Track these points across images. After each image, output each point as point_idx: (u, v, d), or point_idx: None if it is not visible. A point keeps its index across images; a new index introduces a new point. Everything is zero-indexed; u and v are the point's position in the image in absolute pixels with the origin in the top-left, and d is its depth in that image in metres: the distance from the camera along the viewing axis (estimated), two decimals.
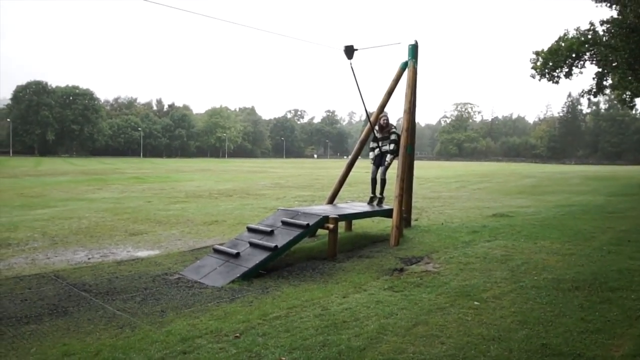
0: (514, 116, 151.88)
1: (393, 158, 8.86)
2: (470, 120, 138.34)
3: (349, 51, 8.30)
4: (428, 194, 18.16)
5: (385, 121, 9.02)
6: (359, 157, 10.02)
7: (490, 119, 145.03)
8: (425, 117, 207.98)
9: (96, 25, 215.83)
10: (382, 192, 8.98)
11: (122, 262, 6.79)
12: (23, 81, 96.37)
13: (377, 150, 9.04)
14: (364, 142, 9.88)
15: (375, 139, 9.06)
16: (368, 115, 9.22)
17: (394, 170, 8.84)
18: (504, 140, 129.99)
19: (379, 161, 9.00)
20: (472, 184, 24.27)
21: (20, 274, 6.03)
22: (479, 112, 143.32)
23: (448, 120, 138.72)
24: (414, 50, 9.19)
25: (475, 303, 4.73)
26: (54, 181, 23.41)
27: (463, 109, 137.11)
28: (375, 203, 9.00)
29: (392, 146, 8.81)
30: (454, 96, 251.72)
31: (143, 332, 4.04)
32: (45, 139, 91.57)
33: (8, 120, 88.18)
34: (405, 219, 8.99)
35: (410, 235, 8.54)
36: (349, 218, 8.63)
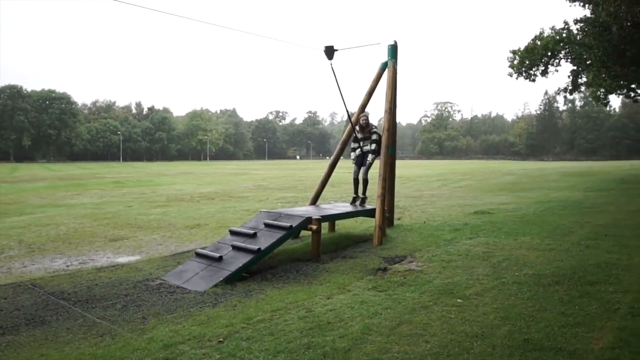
0: (493, 114, 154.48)
1: (374, 158, 8.88)
2: (450, 119, 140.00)
3: (330, 52, 8.30)
4: (410, 192, 18.28)
5: (365, 121, 9.04)
6: (341, 157, 10.04)
7: (469, 118, 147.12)
8: (406, 116, 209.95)
9: (72, 27, 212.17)
10: (364, 192, 9.00)
11: (101, 268, 6.66)
12: None
13: (358, 151, 9.06)
14: (345, 143, 9.90)
15: (357, 139, 9.08)
16: (349, 116, 9.24)
17: (375, 170, 8.87)
18: (484, 139, 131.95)
19: (360, 161, 9.02)
20: (453, 182, 24.51)
21: None
22: (459, 111, 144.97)
23: (428, 120, 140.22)
24: (393, 50, 9.24)
25: (458, 300, 4.76)
26: (31, 187, 22.90)
27: (443, 108, 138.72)
28: (358, 203, 9.02)
29: (373, 146, 8.84)
30: (434, 95, 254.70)
31: (124, 340, 3.96)
32: (21, 145, 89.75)
33: None
34: (387, 219, 9.02)
35: (393, 234, 8.58)
36: (332, 219, 8.63)
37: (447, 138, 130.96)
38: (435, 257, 6.75)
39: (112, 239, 8.92)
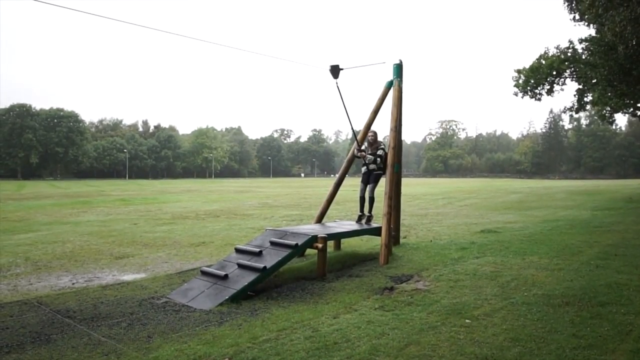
0: (498, 133, 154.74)
1: (380, 175, 8.89)
2: (455, 137, 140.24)
3: (335, 71, 8.39)
4: (416, 211, 18.21)
5: (373, 137, 9.09)
6: (347, 175, 10.04)
7: (474, 136, 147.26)
8: (411, 134, 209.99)
9: (81, 46, 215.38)
10: (370, 210, 8.97)
11: (107, 286, 6.64)
12: (6, 104, 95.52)
13: (364, 168, 9.07)
14: (351, 161, 9.90)
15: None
16: (355, 134, 9.28)
17: (381, 188, 8.86)
18: (489, 157, 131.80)
19: (366, 179, 9.01)
20: (459, 200, 24.42)
21: (1, 301, 5.86)
22: (464, 129, 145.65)
23: (433, 138, 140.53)
24: (398, 69, 9.31)
25: (467, 321, 4.70)
26: (38, 204, 23.01)
27: (448, 126, 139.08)
28: (363, 221, 8.98)
29: (378, 160, 8.84)
30: (438, 114, 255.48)
31: (129, 359, 3.93)
32: (29, 162, 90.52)
33: None
34: (394, 237, 8.98)
35: (399, 253, 8.52)
36: (337, 237, 8.59)
37: (452, 156, 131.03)
38: (443, 276, 6.68)
39: (118, 257, 8.91)
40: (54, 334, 4.60)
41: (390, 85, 9.36)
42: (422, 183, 60.52)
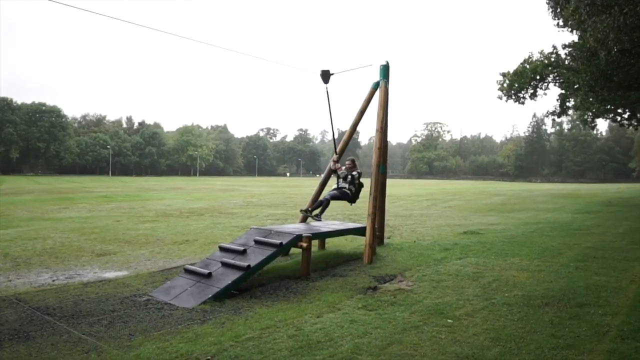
0: (482, 135, 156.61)
1: (346, 195, 8.76)
2: (440, 139, 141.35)
3: (326, 76, 8.45)
4: (400, 212, 18.32)
5: (350, 165, 8.96)
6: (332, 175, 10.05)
7: (459, 138, 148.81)
8: (396, 136, 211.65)
9: (64, 40, 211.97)
10: (315, 208, 8.86)
11: (88, 283, 6.55)
12: None
13: (338, 182, 8.95)
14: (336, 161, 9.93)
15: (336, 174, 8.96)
16: (335, 145, 9.27)
17: (367, 188, 8.89)
18: (473, 159, 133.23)
19: (335, 190, 8.87)
20: (443, 202, 24.63)
21: None
22: (449, 132, 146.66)
23: (418, 139, 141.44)
24: (385, 70, 9.36)
25: (449, 321, 4.75)
26: (18, 200, 22.59)
27: (433, 128, 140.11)
28: (309, 218, 8.88)
29: (349, 178, 8.74)
30: (424, 116, 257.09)
31: (110, 357, 3.89)
32: (9, 157, 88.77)
33: None
34: (378, 237, 9.02)
35: (383, 253, 8.57)
36: (322, 236, 8.61)
37: (436, 158, 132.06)
38: (426, 276, 6.74)
39: (100, 254, 8.80)
40: (33, 331, 4.53)
41: (376, 86, 9.40)
42: (406, 184, 60.89)
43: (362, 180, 8.97)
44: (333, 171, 9.04)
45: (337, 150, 9.37)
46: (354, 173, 8.86)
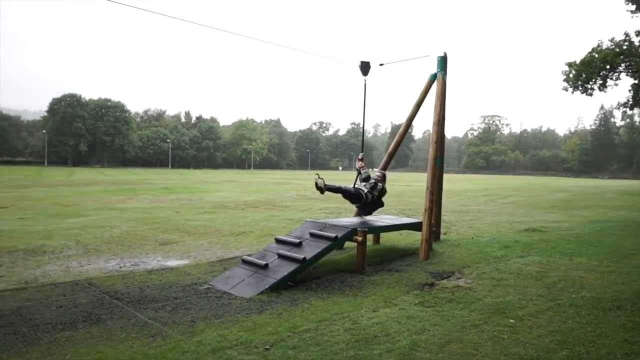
0: (544, 129, 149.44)
1: (361, 195, 8.00)
2: (498, 133, 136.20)
3: (365, 67, 8.32)
4: (456, 207, 17.86)
5: (381, 175, 8.61)
6: (387, 169, 9.94)
7: (518, 132, 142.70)
8: (452, 129, 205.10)
9: (128, 40, 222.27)
10: (328, 186, 7.85)
11: (152, 271, 6.87)
12: (58, 94, 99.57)
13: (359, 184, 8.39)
14: (391, 155, 9.81)
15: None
16: (363, 139, 9.06)
17: (423, 183, 8.71)
18: (533, 154, 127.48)
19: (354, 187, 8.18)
20: (502, 198, 23.77)
21: (55, 281, 6.16)
22: (507, 125, 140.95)
23: (475, 133, 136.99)
24: (443, 62, 9.11)
25: (511, 321, 4.58)
26: (87, 191, 24.01)
27: (491, 122, 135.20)
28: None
29: (370, 180, 8.13)
30: (481, 108, 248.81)
31: (174, 341, 4.05)
32: (78, 150, 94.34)
33: (44, 131, 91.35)
34: (434, 233, 8.84)
35: (439, 249, 8.39)
36: (377, 231, 8.54)
37: (494, 152, 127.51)
38: (485, 274, 6.54)
39: (162, 243, 9.19)
40: (104, 314, 4.80)
41: (434, 78, 9.18)
42: (463, 179, 59.29)
43: (383, 200, 8.45)
44: (358, 171, 8.58)
45: (394, 143, 9.24)
46: (380, 184, 8.25)
